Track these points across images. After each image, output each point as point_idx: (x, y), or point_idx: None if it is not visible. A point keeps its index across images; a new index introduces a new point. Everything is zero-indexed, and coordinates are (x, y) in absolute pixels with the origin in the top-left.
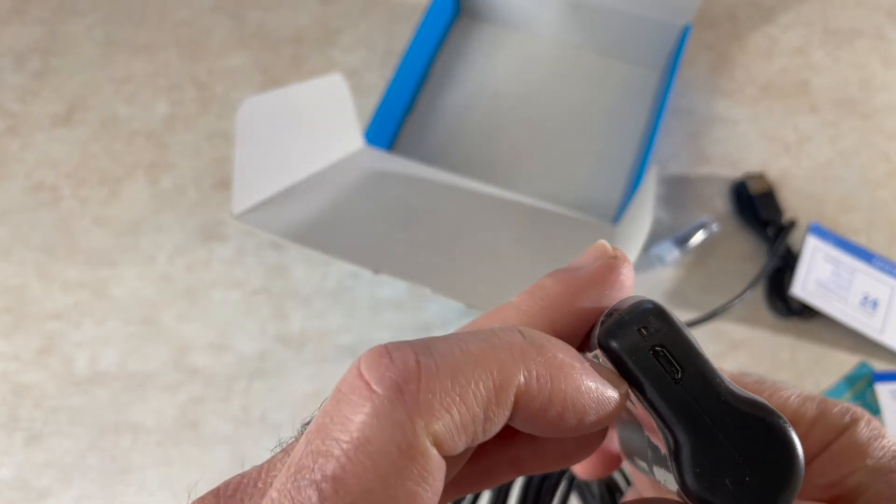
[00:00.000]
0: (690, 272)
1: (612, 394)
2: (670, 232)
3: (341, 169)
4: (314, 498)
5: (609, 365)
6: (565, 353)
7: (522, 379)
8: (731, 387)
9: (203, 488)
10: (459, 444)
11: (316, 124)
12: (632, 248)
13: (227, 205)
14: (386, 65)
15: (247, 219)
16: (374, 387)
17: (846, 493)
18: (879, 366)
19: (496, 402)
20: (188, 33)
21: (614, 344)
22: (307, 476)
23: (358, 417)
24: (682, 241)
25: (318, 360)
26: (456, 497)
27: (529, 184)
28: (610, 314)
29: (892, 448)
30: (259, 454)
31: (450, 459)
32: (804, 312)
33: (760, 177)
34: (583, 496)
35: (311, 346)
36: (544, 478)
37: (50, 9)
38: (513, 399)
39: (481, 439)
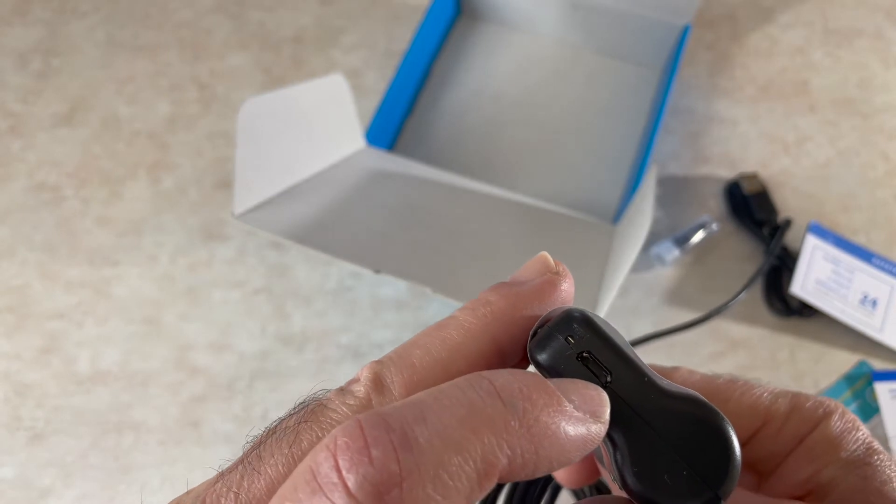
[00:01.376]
0: (690, 271)
1: (596, 431)
2: (670, 231)
3: (342, 169)
4: None
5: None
6: (548, 411)
7: (506, 460)
8: (662, 384)
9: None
10: None
11: (317, 124)
12: (632, 248)
13: (229, 205)
14: (387, 65)
15: (248, 219)
16: (353, 490)
17: (820, 486)
18: (879, 365)
19: (479, 488)
20: (189, 34)
21: (543, 356)
22: None
23: None
24: (682, 241)
25: (319, 360)
26: None
27: (529, 183)
28: (540, 327)
29: (867, 440)
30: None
31: None
32: (804, 311)
33: (754, 177)
34: (575, 495)
35: (312, 346)
36: (528, 485)
37: (51, 9)
38: (496, 480)
39: None
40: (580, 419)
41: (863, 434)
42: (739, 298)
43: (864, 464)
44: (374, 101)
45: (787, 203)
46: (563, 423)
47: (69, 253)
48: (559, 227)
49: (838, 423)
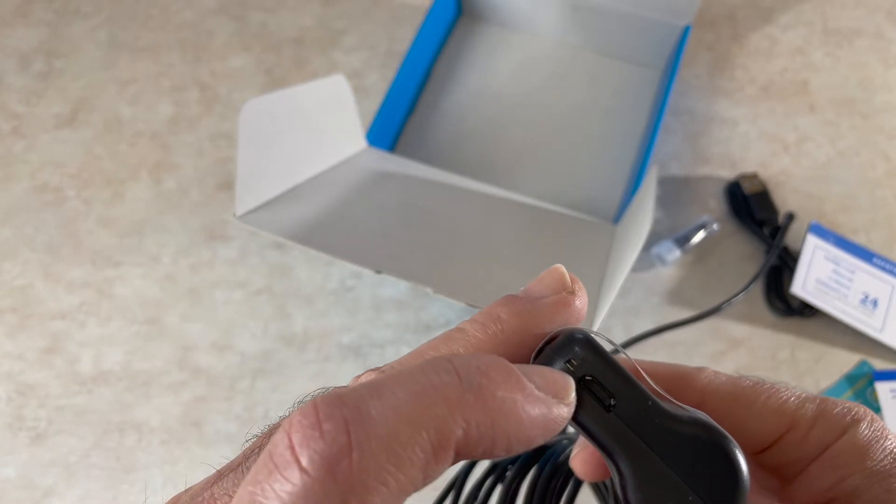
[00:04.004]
0: (691, 271)
1: (558, 412)
2: (670, 231)
3: (344, 170)
4: None
5: None
6: (505, 387)
7: (461, 432)
8: (666, 407)
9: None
10: None
11: (318, 125)
12: (632, 248)
13: (231, 205)
14: (388, 66)
15: (250, 219)
16: (305, 465)
17: (843, 495)
18: (879, 364)
19: (435, 460)
20: (191, 35)
21: None
22: None
23: (290, 499)
24: (682, 241)
25: (320, 360)
26: None
27: (530, 184)
28: (541, 350)
29: (895, 450)
30: None
31: None
32: (804, 311)
33: (754, 177)
34: (598, 491)
35: (313, 346)
36: (550, 478)
37: (54, 10)
38: (453, 452)
39: (420, 489)
40: (541, 399)
41: (892, 444)
42: (738, 298)
43: (890, 475)
44: (375, 102)
45: (788, 203)
46: (522, 401)
47: (71, 253)
48: (560, 227)
49: (866, 431)
